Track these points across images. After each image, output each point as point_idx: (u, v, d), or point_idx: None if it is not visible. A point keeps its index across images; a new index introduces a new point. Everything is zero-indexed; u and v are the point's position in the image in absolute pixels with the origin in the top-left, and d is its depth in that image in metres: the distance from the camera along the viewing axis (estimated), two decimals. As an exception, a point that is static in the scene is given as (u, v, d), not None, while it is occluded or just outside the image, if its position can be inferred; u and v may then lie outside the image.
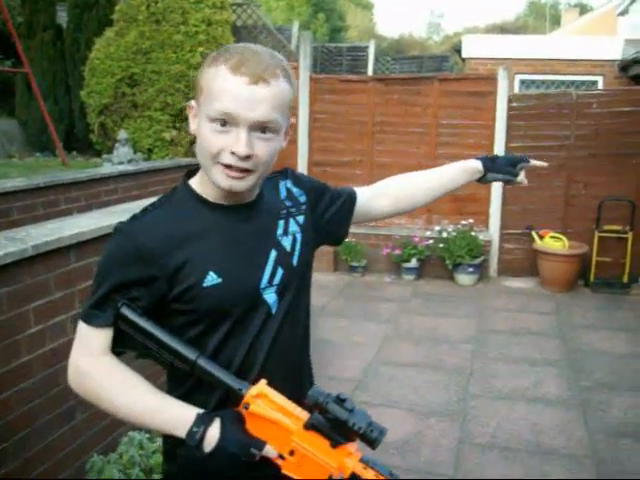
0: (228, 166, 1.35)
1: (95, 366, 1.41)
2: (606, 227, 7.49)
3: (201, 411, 1.35)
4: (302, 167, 8.19)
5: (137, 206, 3.47)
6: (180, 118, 7.51)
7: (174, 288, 1.38)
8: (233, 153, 1.33)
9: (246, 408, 1.32)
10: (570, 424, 4.30)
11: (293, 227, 1.55)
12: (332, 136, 7.94)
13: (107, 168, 6.47)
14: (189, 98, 7.46)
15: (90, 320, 1.40)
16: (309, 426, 1.31)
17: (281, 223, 1.53)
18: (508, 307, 6.63)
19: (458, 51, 11.48)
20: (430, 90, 7.61)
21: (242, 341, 1.44)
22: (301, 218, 1.58)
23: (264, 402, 1.33)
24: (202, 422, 1.32)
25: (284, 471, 1.33)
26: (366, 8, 45.22)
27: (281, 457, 1.33)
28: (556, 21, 34.78)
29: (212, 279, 1.38)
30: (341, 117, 7.95)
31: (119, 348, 1.42)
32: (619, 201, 7.49)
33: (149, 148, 7.44)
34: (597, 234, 7.48)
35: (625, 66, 10.26)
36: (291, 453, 1.32)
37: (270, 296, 1.46)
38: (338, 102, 7.94)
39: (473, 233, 7.56)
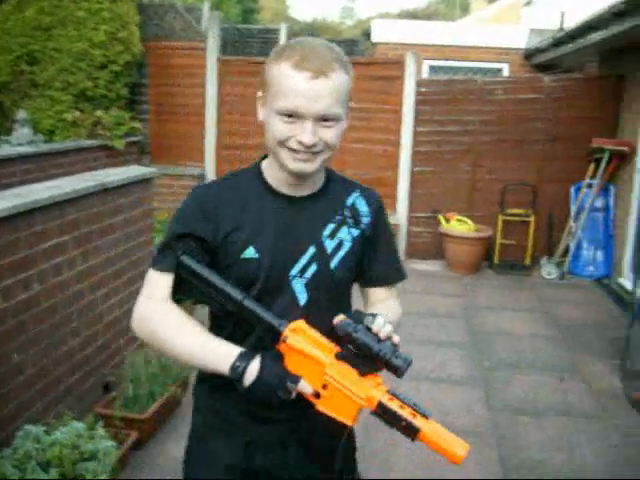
0: (295, 150, 1.49)
1: (157, 310, 1.57)
2: (509, 211, 7.70)
3: (244, 349, 1.49)
4: (210, 150, 8.06)
5: (28, 190, 3.32)
6: (83, 98, 7.24)
7: (220, 250, 1.57)
8: (300, 142, 1.47)
9: (284, 341, 1.45)
10: (473, 403, 4.40)
11: (344, 234, 1.64)
12: (241, 119, 7.84)
13: (5, 150, 6.17)
14: (92, 78, 7.22)
15: (154, 264, 1.60)
16: (340, 356, 1.43)
17: (331, 226, 1.63)
18: (415, 289, 6.73)
19: (368, 36, 11.53)
20: (340, 74, 7.59)
21: None
22: (356, 232, 1.67)
23: (301, 336, 1.45)
24: (245, 358, 1.46)
25: (318, 408, 1.44)
26: (279, -10, 44.81)
27: (316, 396, 1.44)
28: (465, 9, 35.38)
29: (250, 253, 1.55)
30: (251, 100, 7.74)
31: (179, 295, 1.59)
32: (522, 185, 7.71)
33: (50, 129, 7.14)
34: (501, 217, 7.69)
35: (529, 55, 10.54)
36: (324, 387, 1.43)
37: (298, 287, 1.58)
38: (247, 84, 7.84)
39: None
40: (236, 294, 1.51)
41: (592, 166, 7.56)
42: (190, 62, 8.09)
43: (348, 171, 7.20)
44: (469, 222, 7.62)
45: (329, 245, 1.61)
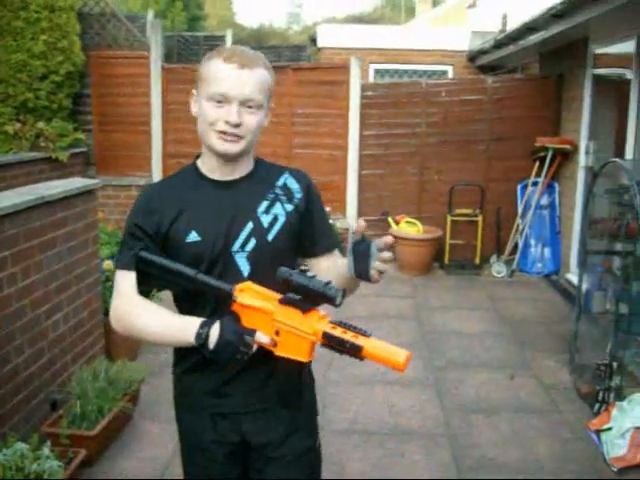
0: (222, 132, 1.70)
1: (128, 303, 1.77)
2: (458, 211, 7.78)
3: (205, 319, 1.69)
4: (156, 159, 7.98)
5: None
6: (24, 110, 7.10)
7: (166, 240, 1.76)
8: (227, 122, 1.69)
9: (235, 301, 1.65)
10: (426, 404, 4.42)
11: (277, 210, 1.82)
12: (186, 127, 7.77)
13: (-57, 164, 6.03)
14: (32, 89, 7.09)
15: (117, 264, 1.80)
16: (283, 301, 1.60)
17: (265, 203, 1.81)
18: (366, 292, 6.72)
19: (314, 41, 11.54)
20: (284, 79, 7.59)
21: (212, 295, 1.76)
22: (289, 207, 1.84)
23: (248, 293, 1.65)
24: (206, 324, 1.67)
25: (277, 353, 1.63)
26: (225, -3, 44.61)
27: (273, 344, 1.62)
28: (411, 12, 35.69)
29: (193, 237, 1.74)
30: (196, 107, 7.75)
31: (143, 287, 1.78)
32: (469, 186, 7.80)
33: (-9, 142, 6.99)
34: (449, 218, 7.76)
35: (473, 56, 10.68)
36: (277, 333, 1.61)
37: (241, 260, 1.76)
38: (191, 92, 7.78)
39: (331, 221, 7.62)
40: (189, 272, 1.70)
41: (537, 164, 7.69)
42: (134, 71, 8.00)
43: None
44: (418, 224, 7.68)
45: (265, 220, 1.80)
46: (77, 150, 7.68)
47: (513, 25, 8.00)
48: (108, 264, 5.15)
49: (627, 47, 6.15)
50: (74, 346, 4.09)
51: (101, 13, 8.33)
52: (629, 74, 6.17)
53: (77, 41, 7.56)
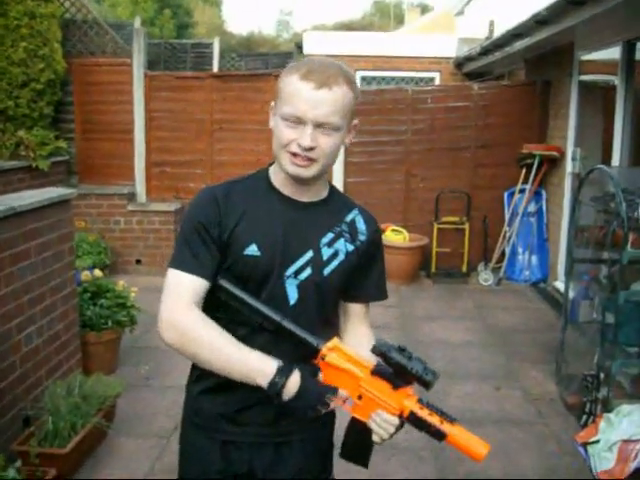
0: (295, 154, 1.61)
1: (193, 318, 1.61)
2: (444, 219, 7.72)
3: (281, 363, 1.56)
4: (140, 168, 7.88)
5: None
6: (4, 118, 6.99)
7: (226, 246, 1.66)
8: (299, 145, 1.60)
9: (323, 359, 1.59)
10: (410, 417, 4.33)
11: (340, 245, 1.74)
12: (170, 135, 7.69)
13: None
14: (12, 97, 6.99)
15: (176, 264, 1.66)
16: (375, 372, 1.57)
17: (330, 235, 1.74)
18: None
19: (300, 48, 11.50)
20: (269, 87, 7.52)
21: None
22: (351, 247, 1.76)
23: (338, 354, 1.59)
24: (283, 373, 1.54)
25: (353, 414, 1.60)
26: (214, 5, 44.68)
27: (349, 401, 1.59)
28: (400, 20, 35.77)
29: (252, 250, 1.65)
30: (179, 115, 7.71)
31: (217, 313, 1.66)
32: (455, 193, 7.74)
33: (-31, 151, 6.89)
34: (436, 226, 7.70)
35: (460, 63, 10.66)
36: (359, 398, 1.58)
37: (290, 287, 1.67)
38: (175, 100, 7.71)
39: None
40: (274, 316, 1.62)
41: (523, 171, 7.64)
42: (116, 79, 7.91)
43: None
44: (404, 232, 7.60)
45: (326, 253, 1.72)
46: (59, 159, 7.57)
47: (500, 32, 7.97)
48: (86, 275, 5.05)
49: (613, 53, 6.11)
50: (48, 360, 3.98)
51: (84, 20, 8.24)
52: (615, 80, 6.13)
53: (59, 48, 7.47)
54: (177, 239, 1.73)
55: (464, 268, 7.79)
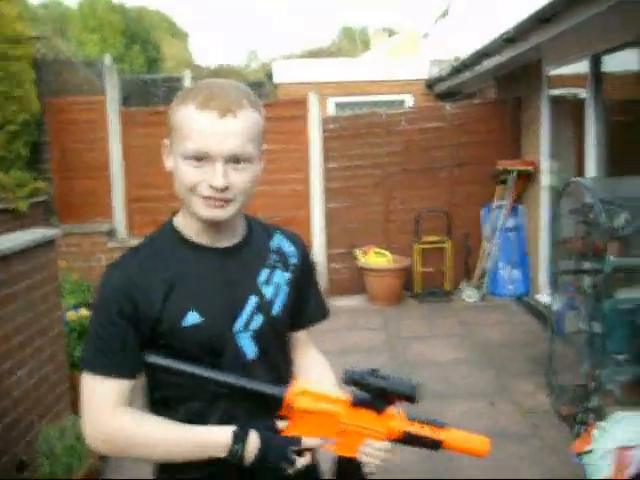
0: (207, 197, 1.41)
1: (118, 419, 1.41)
2: (425, 238, 7.77)
3: (235, 428, 1.42)
4: (119, 204, 7.87)
5: None
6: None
7: (157, 326, 1.43)
8: (211, 186, 1.39)
9: (291, 407, 1.45)
10: (405, 437, 4.33)
11: (278, 278, 1.58)
12: (148, 170, 7.69)
13: None
14: (-12, 140, 6.97)
15: (92, 367, 1.43)
16: (354, 403, 1.46)
17: (265, 271, 1.57)
18: (337, 326, 6.65)
19: (270, 77, 11.60)
20: (244, 117, 7.55)
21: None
22: (288, 275, 1.61)
23: (306, 397, 1.46)
24: (240, 438, 1.40)
25: (340, 453, 1.48)
26: (181, 39, 44.90)
27: (329, 441, 1.47)
28: (366, 44, 36.16)
29: (193, 318, 1.44)
30: (155, 150, 7.61)
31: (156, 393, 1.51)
32: (434, 212, 7.80)
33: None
34: (417, 246, 7.74)
35: (431, 84, 10.81)
36: (340, 434, 1.46)
37: (245, 342, 1.49)
38: (151, 135, 7.69)
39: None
40: (229, 378, 1.45)
41: (500, 187, 7.74)
42: (92, 117, 7.91)
43: (259, 214, 7.06)
44: (387, 254, 7.64)
45: (267, 292, 1.55)
46: (38, 199, 7.54)
47: (467, 51, 8.10)
48: (72, 315, 5.03)
49: (581, 67, 6.24)
50: (39, 402, 3.95)
51: (56, 60, 8.27)
52: (584, 93, 6.25)
53: (32, 89, 7.47)
54: (89, 335, 1.47)
55: (448, 286, 7.83)
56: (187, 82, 14.23)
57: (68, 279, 6.90)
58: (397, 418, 1.48)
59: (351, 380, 1.45)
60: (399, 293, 7.67)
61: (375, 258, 7.60)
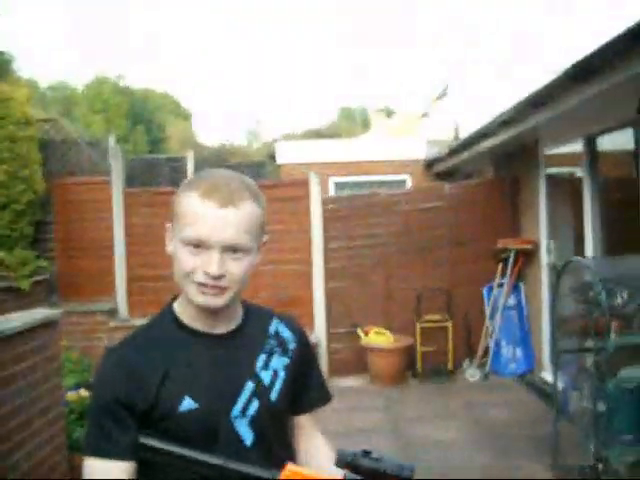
0: (202, 284, 1.44)
1: None
2: (426, 317, 7.75)
3: None
4: (121, 284, 7.90)
5: None
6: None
7: (153, 410, 1.43)
8: (206, 273, 1.42)
9: None
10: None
11: (276, 364, 1.59)
12: (151, 250, 7.75)
13: None
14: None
15: (94, 451, 1.42)
16: None
17: (262, 357, 1.57)
18: (339, 407, 6.54)
19: (273, 157, 11.80)
20: (246, 197, 7.66)
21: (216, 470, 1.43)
22: (286, 360, 1.61)
23: None
24: None
25: None
26: (185, 118, 45.90)
27: None
28: (366, 124, 36.95)
29: (188, 404, 1.44)
30: (159, 229, 7.70)
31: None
32: (435, 291, 7.82)
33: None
34: (419, 325, 7.72)
35: (429, 164, 11.00)
36: None
37: (242, 428, 1.49)
38: (155, 215, 7.81)
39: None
40: (215, 460, 1.40)
41: (500, 266, 7.78)
42: (96, 197, 8.04)
43: (262, 293, 7.16)
44: (387, 333, 7.62)
45: (265, 377, 1.55)
46: (40, 278, 7.58)
47: (465, 133, 8.28)
48: (72, 395, 4.99)
49: (576, 146, 6.37)
50: (37, 486, 3.88)
51: (62, 141, 8.46)
52: (581, 172, 6.36)
53: (38, 170, 7.62)
54: (89, 419, 1.50)
55: (450, 365, 7.77)
56: (190, 162, 14.51)
57: (68, 358, 6.86)
58: None
59: (344, 463, 1.37)
60: (401, 372, 7.61)
61: (376, 337, 7.57)
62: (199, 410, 1.45)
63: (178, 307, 1.57)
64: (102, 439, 1.43)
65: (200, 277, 1.43)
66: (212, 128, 53.15)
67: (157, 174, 14.42)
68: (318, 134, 37.87)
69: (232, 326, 1.57)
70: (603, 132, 5.92)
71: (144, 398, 1.44)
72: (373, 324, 7.75)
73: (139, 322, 7.71)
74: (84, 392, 5.26)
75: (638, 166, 5.19)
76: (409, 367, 7.74)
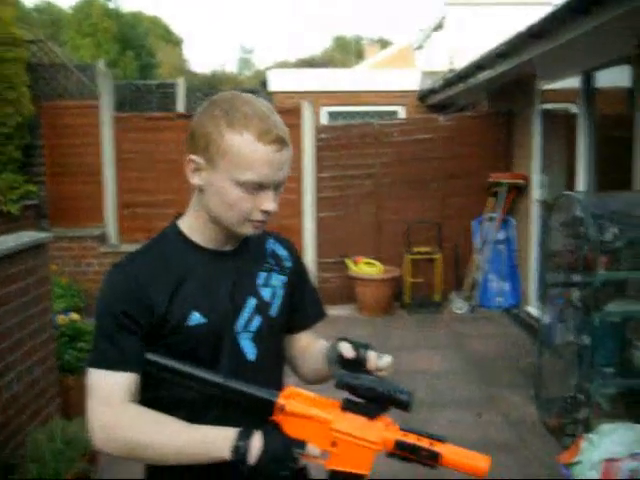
0: (260, 221, 1.49)
1: (123, 416, 1.41)
2: (416, 249, 7.80)
3: (239, 429, 1.38)
4: (111, 210, 7.87)
5: None
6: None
7: (163, 323, 1.45)
8: (265, 211, 1.47)
9: (282, 410, 1.39)
10: (394, 447, 4.33)
11: (275, 281, 1.62)
12: (141, 176, 7.71)
13: None
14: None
15: (98, 363, 1.44)
16: (345, 406, 1.39)
17: (263, 274, 1.61)
18: (327, 335, 6.63)
19: (265, 85, 11.63)
20: (238, 125, 7.57)
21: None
22: (283, 278, 1.65)
23: (298, 400, 1.40)
24: (244, 436, 1.37)
25: (329, 467, 1.38)
26: (176, 44, 44.98)
27: (323, 455, 1.38)
28: (360, 55, 36.36)
29: (197, 319, 1.47)
30: (149, 156, 7.73)
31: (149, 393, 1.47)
32: (426, 224, 7.84)
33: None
34: (408, 257, 7.77)
35: (424, 96, 10.86)
36: (333, 444, 1.38)
37: (245, 342, 1.52)
38: (145, 140, 7.73)
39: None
40: (216, 378, 1.44)
41: (491, 200, 7.78)
42: (85, 121, 7.91)
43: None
44: (377, 264, 7.67)
45: (265, 294, 1.59)
46: (29, 202, 7.54)
47: (460, 64, 8.16)
48: (62, 318, 5.02)
49: (573, 82, 6.30)
50: (28, 406, 3.94)
51: (51, 64, 8.27)
52: (576, 108, 6.31)
53: (26, 92, 7.46)
54: (96, 332, 1.49)
55: (438, 297, 7.86)
56: (181, 89, 14.28)
57: (58, 283, 6.88)
58: (391, 427, 1.39)
59: (343, 384, 1.39)
60: (389, 303, 7.69)
61: (365, 268, 7.62)
62: (206, 325, 1.48)
63: (187, 228, 1.57)
64: (109, 351, 1.44)
65: (258, 216, 1.48)
66: (204, 55, 52.20)
67: (147, 100, 14.22)
68: (311, 63, 37.30)
69: (237, 244, 1.59)
70: (600, 67, 5.84)
71: (154, 312, 1.45)
72: (363, 255, 7.79)
73: (129, 248, 7.70)
74: (74, 316, 5.29)
75: (634, 103, 5.15)
76: (397, 298, 7.83)
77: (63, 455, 3.52)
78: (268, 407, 1.42)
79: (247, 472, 1.36)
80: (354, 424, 1.39)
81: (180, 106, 13.33)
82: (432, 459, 1.37)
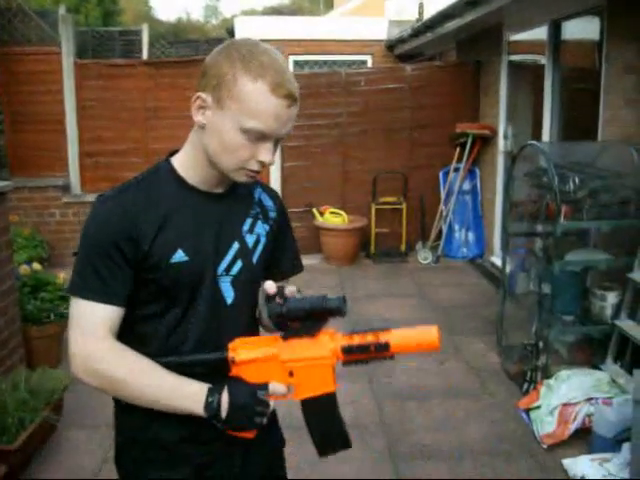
0: (254, 171, 1.48)
1: (104, 347, 1.44)
2: (382, 199, 7.81)
3: (211, 385, 1.43)
4: (73, 159, 7.73)
5: None
6: None
7: (145, 259, 1.46)
8: (261, 162, 1.46)
9: (234, 362, 1.43)
10: (358, 394, 4.40)
11: (259, 229, 1.63)
12: (103, 124, 7.56)
13: None
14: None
15: (82, 292, 1.45)
16: (286, 335, 1.43)
17: (249, 221, 1.61)
18: (293, 284, 6.67)
19: (231, 33, 11.42)
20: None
21: (194, 325, 1.52)
22: (267, 227, 1.66)
23: (243, 348, 1.44)
24: (214, 391, 1.42)
25: (299, 398, 1.43)
26: (140, -9, 43.78)
27: (290, 390, 1.43)
28: (329, 4, 35.79)
29: (179, 256, 1.47)
30: (111, 104, 7.58)
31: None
32: (392, 174, 7.84)
33: None
34: (374, 207, 7.79)
35: (391, 45, 10.75)
36: (291, 375, 1.42)
37: (224, 285, 1.54)
38: (107, 88, 7.57)
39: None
40: (172, 359, 1.47)
41: (458, 150, 7.79)
42: (45, 68, 7.71)
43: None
44: (343, 214, 7.68)
45: (249, 240, 1.60)
46: (-12, 151, 7.38)
47: (430, 13, 8.07)
48: (25, 269, 4.96)
49: (540, 34, 6.27)
50: (-9, 356, 3.91)
51: (7, 8, 8.01)
52: (543, 60, 6.29)
53: (-18, 37, 7.25)
54: (78, 260, 1.48)
55: (403, 247, 7.91)
56: (145, 36, 13.95)
57: (20, 234, 6.79)
58: (335, 336, 1.43)
59: (275, 313, 1.42)
60: (355, 253, 7.73)
61: (331, 218, 7.63)
62: (188, 263, 1.48)
63: (180, 166, 1.56)
64: (94, 281, 1.45)
65: (254, 165, 1.47)
66: (168, 3, 51.02)
67: (110, 48, 13.90)
68: (279, 11, 36.66)
69: (227, 187, 1.59)
70: (569, 17, 5.81)
71: (140, 245, 1.45)
72: (329, 204, 7.79)
73: (92, 198, 7.60)
74: (36, 266, 5.24)
75: (601, 56, 5.14)
76: (363, 248, 7.86)
77: (27, 404, 3.51)
78: (224, 366, 1.45)
79: (222, 427, 1.42)
80: (300, 347, 1.43)
81: (144, 54, 13.06)
82: (383, 351, 1.40)
